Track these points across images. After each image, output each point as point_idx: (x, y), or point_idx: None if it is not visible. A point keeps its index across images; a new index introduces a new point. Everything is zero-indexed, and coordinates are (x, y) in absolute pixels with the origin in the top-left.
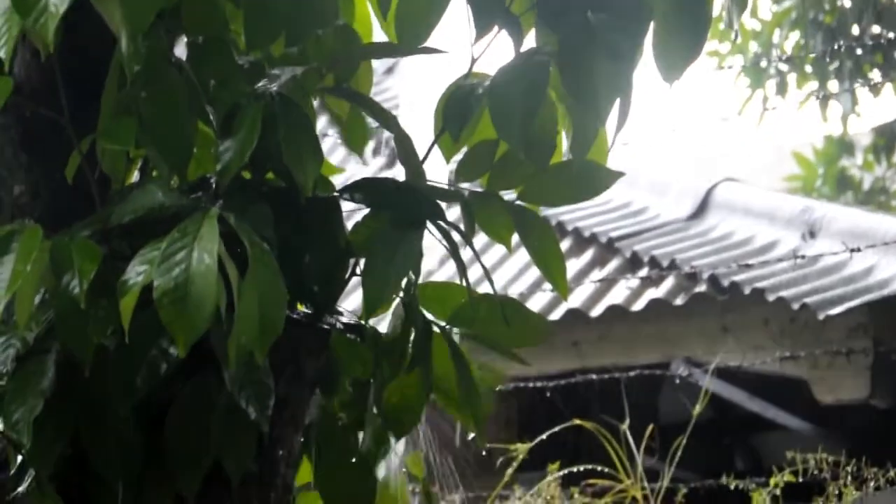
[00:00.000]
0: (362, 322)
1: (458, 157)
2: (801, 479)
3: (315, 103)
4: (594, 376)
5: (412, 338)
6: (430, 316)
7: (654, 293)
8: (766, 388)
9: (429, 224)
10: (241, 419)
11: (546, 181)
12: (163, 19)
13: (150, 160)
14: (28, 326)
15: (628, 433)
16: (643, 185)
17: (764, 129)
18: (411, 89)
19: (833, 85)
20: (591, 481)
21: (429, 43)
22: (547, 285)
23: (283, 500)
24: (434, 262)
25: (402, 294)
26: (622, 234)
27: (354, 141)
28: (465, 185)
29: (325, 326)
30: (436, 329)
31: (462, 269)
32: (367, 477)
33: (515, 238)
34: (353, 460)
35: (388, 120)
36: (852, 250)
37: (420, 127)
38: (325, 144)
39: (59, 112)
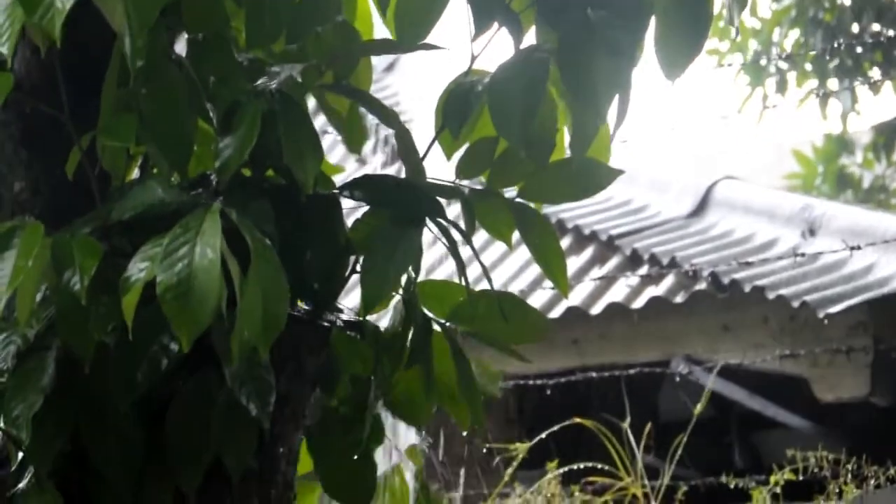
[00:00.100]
0: (362, 319)
1: (459, 154)
2: (801, 478)
3: (311, 103)
4: (594, 374)
5: (412, 335)
6: (429, 313)
7: (654, 291)
8: (767, 386)
9: (428, 221)
10: (241, 416)
11: (546, 178)
12: (163, 16)
13: (150, 157)
14: (29, 323)
15: (629, 431)
16: (643, 182)
17: (764, 128)
18: (411, 86)
19: (833, 83)
20: (592, 479)
21: (429, 40)
22: (547, 283)
23: (284, 497)
24: (433, 260)
25: (401, 291)
26: (622, 231)
27: (353, 139)
28: (465, 183)
29: (326, 324)
30: (435, 327)
31: (461, 266)
32: (368, 472)
33: (516, 235)
34: (355, 456)
35: (388, 116)
36: (852, 248)
37: (420, 124)
38: (324, 143)
39: (59, 108)
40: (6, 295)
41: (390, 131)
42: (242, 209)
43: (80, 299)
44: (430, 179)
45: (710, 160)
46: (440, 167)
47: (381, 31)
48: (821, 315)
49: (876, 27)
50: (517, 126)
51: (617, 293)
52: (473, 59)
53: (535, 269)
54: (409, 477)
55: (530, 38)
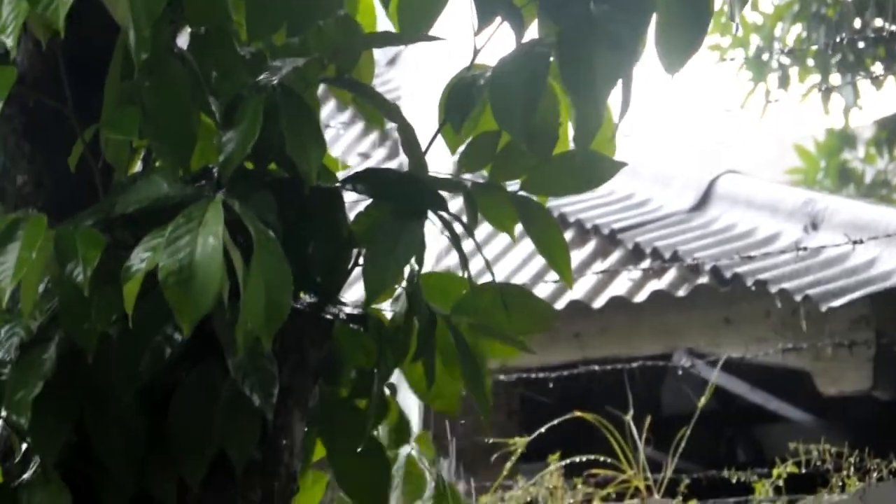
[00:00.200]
0: (365, 312)
1: (462, 148)
2: (803, 471)
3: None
4: (596, 367)
5: (416, 327)
6: (432, 306)
7: (656, 285)
8: (769, 380)
9: (431, 215)
10: (245, 407)
11: (549, 172)
12: (166, 10)
13: (153, 150)
14: (32, 315)
15: (631, 424)
16: (646, 176)
17: (766, 122)
18: (413, 80)
19: (835, 78)
20: (594, 471)
21: (430, 34)
22: (550, 276)
23: (287, 489)
24: (433, 255)
25: (405, 283)
26: (624, 225)
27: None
28: (467, 176)
29: (328, 316)
30: (439, 319)
31: (464, 259)
32: (380, 463)
33: (519, 228)
34: (366, 448)
35: (390, 110)
36: (855, 242)
37: (422, 118)
38: (326, 136)
39: (62, 102)
40: (11, 286)
41: (393, 125)
42: (245, 201)
43: (82, 290)
44: (433, 173)
45: (712, 154)
46: (443, 161)
47: (383, 24)
48: (823, 309)
49: (878, 22)
50: (518, 119)
51: (619, 287)
52: (476, 53)
53: (537, 263)
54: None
55: (532, 32)
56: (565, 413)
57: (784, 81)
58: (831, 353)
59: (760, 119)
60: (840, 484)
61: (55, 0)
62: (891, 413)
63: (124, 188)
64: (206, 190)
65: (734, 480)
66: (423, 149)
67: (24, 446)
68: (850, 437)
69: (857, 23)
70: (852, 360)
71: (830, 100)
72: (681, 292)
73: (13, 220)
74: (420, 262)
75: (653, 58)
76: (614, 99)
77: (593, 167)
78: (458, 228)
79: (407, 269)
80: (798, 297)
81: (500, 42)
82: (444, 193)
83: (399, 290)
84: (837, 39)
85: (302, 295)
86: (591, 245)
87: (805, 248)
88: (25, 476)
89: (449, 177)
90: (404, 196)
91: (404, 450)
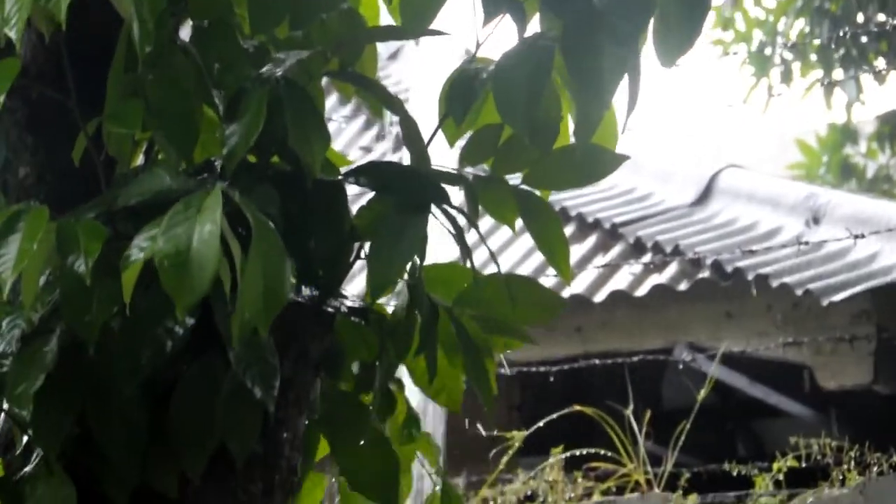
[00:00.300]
0: (367, 305)
1: (461, 142)
2: (803, 465)
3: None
4: (597, 362)
5: (418, 320)
6: (435, 298)
7: (657, 279)
8: (769, 374)
9: (433, 208)
10: (246, 400)
11: (551, 165)
12: (169, 3)
13: (156, 143)
14: (33, 307)
15: (631, 418)
16: (647, 170)
17: (768, 117)
18: (415, 75)
19: (838, 73)
20: (594, 465)
21: (433, 28)
22: (550, 270)
23: (288, 482)
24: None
25: (406, 276)
26: (626, 219)
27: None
28: (469, 170)
29: (330, 310)
30: (442, 311)
31: (467, 251)
32: (387, 456)
33: (519, 223)
34: (372, 441)
35: (393, 103)
36: (856, 237)
37: (424, 112)
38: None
39: (65, 94)
40: (12, 277)
41: (395, 119)
42: (247, 194)
43: (84, 282)
44: (435, 166)
45: (714, 149)
46: (444, 155)
47: (385, 19)
48: (824, 303)
49: (881, 17)
50: (522, 112)
51: (620, 281)
52: (478, 46)
53: (538, 257)
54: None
55: (534, 26)
56: (566, 407)
57: (786, 76)
58: (832, 348)
59: (762, 114)
60: (840, 478)
61: None
62: (891, 407)
63: (126, 181)
64: (209, 183)
65: (734, 474)
66: (425, 142)
67: (26, 439)
68: (851, 432)
69: (860, 18)
70: (853, 354)
71: (833, 95)
72: (682, 286)
73: (15, 211)
74: (422, 255)
75: (651, 52)
76: (620, 95)
77: (595, 161)
78: (460, 221)
79: (409, 263)
80: (799, 292)
81: (501, 37)
82: (445, 187)
83: (400, 283)
84: (840, 34)
85: (304, 288)
86: (592, 239)
87: (806, 243)
88: (27, 468)
89: (451, 170)
90: (407, 189)
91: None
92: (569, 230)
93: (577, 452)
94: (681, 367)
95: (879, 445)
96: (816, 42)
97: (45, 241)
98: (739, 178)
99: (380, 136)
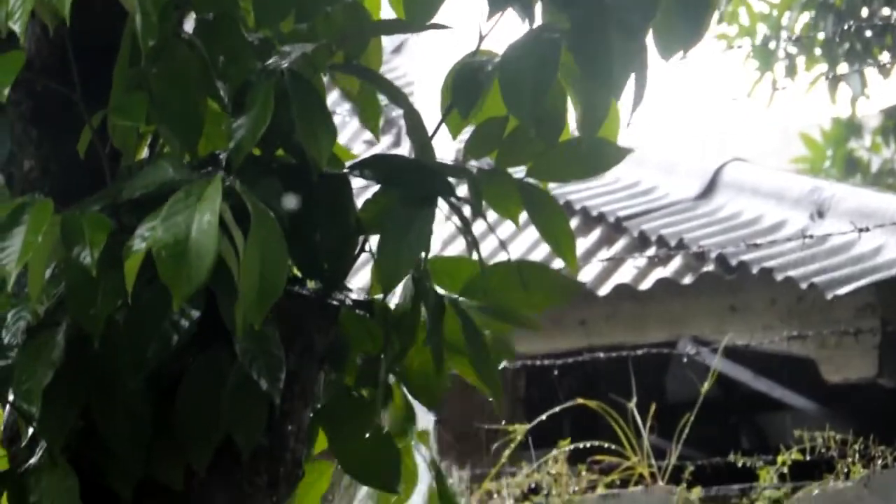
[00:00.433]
0: (371, 298)
1: (462, 135)
2: (808, 458)
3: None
4: (601, 355)
5: (426, 314)
6: (441, 290)
7: (661, 272)
8: (774, 368)
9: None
10: (251, 393)
11: (554, 158)
12: None
13: (160, 136)
14: (39, 300)
15: (635, 411)
16: (652, 164)
17: (772, 110)
18: (419, 68)
19: (842, 67)
20: (598, 458)
21: (437, 21)
22: (555, 264)
23: (293, 475)
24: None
25: (412, 269)
26: (630, 213)
27: (368, 117)
28: (472, 163)
29: (335, 303)
30: (448, 302)
31: (474, 243)
32: (388, 449)
33: (524, 215)
34: (372, 434)
35: (397, 96)
36: (861, 230)
37: (428, 105)
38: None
39: (69, 87)
40: (16, 269)
41: (399, 112)
42: (251, 187)
43: (89, 274)
44: (439, 159)
45: (718, 142)
46: (445, 148)
47: (386, 13)
48: (829, 297)
49: (886, 11)
50: (528, 104)
51: (625, 274)
52: (481, 39)
53: (542, 251)
54: (419, 459)
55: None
56: (570, 400)
57: (791, 70)
58: (836, 341)
59: (767, 108)
60: (845, 471)
61: None
62: None
63: (131, 174)
64: (213, 175)
65: (739, 467)
66: (430, 136)
67: (31, 431)
68: (855, 425)
69: (865, 12)
70: (857, 347)
71: (837, 89)
72: (686, 280)
73: (19, 204)
74: (427, 248)
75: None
76: (626, 88)
77: (599, 153)
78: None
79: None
80: (804, 285)
81: (504, 30)
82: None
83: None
84: (845, 28)
85: (309, 281)
86: (596, 232)
87: (811, 236)
88: (32, 461)
89: (454, 163)
90: (413, 182)
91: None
92: (573, 224)
93: (582, 445)
94: (685, 360)
95: (884, 438)
96: (821, 36)
97: (50, 233)
98: (744, 172)
99: (383, 130)
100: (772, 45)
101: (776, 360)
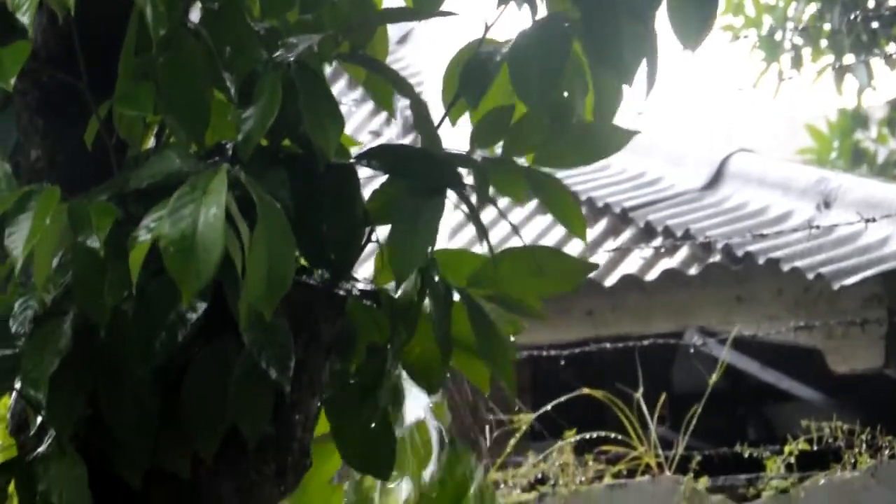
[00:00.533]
0: (378, 288)
1: (463, 121)
2: (815, 448)
3: (328, 70)
4: (608, 345)
5: (433, 305)
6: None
7: (668, 263)
8: (780, 358)
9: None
10: (258, 382)
11: (559, 144)
12: None
13: (167, 126)
14: (46, 289)
15: (642, 402)
16: (657, 155)
17: (779, 102)
18: (424, 59)
19: (848, 58)
20: (605, 448)
21: (444, 9)
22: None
23: (300, 464)
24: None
25: None
26: (636, 204)
27: (381, 99)
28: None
29: (342, 293)
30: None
31: (483, 231)
32: (388, 439)
33: (529, 209)
34: (375, 423)
35: (403, 86)
36: (867, 220)
37: (433, 95)
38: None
39: (76, 77)
40: (23, 255)
41: (405, 103)
42: (258, 178)
43: (97, 262)
44: (447, 149)
45: (724, 133)
46: (449, 137)
47: (394, 1)
48: (835, 287)
49: (893, 2)
50: (540, 93)
51: (631, 265)
52: (487, 28)
53: (549, 241)
54: (433, 432)
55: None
56: (577, 391)
57: (797, 61)
58: (843, 332)
59: (773, 98)
60: (852, 461)
61: None
62: None
63: (138, 164)
64: (220, 166)
65: (746, 457)
66: (436, 125)
67: (39, 420)
68: (862, 415)
69: (871, 2)
70: (864, 338)
71: (844, 80)
72: (692, 270)
73: (26, 191)
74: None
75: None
76: (637, 71)
77: (604, 138)
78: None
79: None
80: (810, 276)
81: (509, 19)
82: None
83: None
84: (851, 18)
85: (315, 271)
86: (602, 223)
87: (817, 227)
88: (41, 449)
89: (461, 152)
90: (420, 172)
91: (409, 419)
92: None
93: (588, 436)
94: (691, 351)
95: (891, 429)
96: (827, 27)
97: (57, 220)
98: (750, 163)
99: (389, 121)
100: (778, 35)
101: (783, 350)
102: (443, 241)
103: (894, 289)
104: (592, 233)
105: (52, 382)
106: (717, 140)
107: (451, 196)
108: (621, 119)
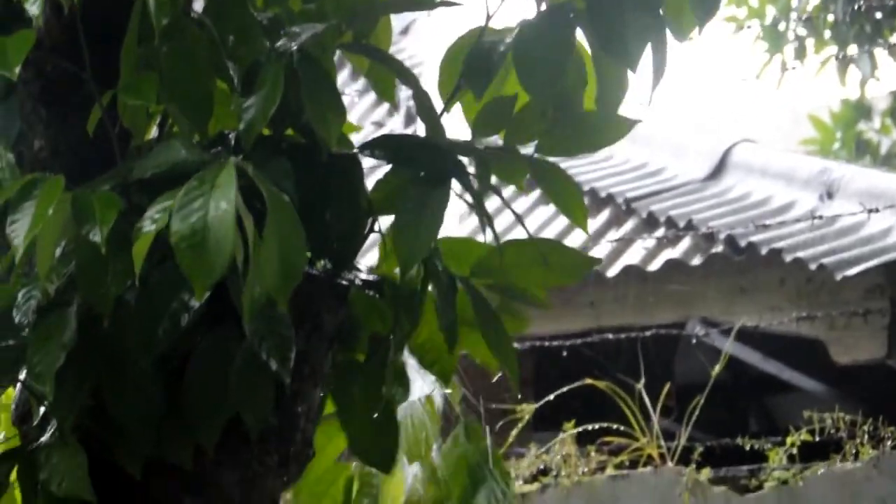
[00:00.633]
0: (381, 278)
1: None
2: (817, 439)
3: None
4: (610, 336)
5: (437, 293)
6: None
7: (670, 253)
8: (783, 349)
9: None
10: (259, 372)
11: (562, 133)
12: None
13: (170, 116)
14: (49, 279)
15: (644, 393)
16: (660, 145)
17: (782, 92)
18: (427, 50)
19: (852, 49)
20: (607, 439)
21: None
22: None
23: (303, 454)
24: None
25: None
26: (639, 194)
27: (384, 89)
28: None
29: (345, 282)
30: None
31: (487, 219)
32: (390, 427)
33: (532, 199)
34: (379, 413)
35: (407, 76)
36: (870, 211)
37: (434, 86)
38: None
39: (79, 66)
40: (27, 240)
41: (408, 93)
42: (261, 167)
43: (99, 253)
44: (449, 138)
45: (727, 124)
46: (450, 126)
47: None
48: (838, 277)
49: None
50: (545, 83)
51: (633, 255)
52: (489, 18)
53: (550, 232)
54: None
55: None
56: (579, 381)
57: (800, 52)
58: (846, 322)
59: (776, 89)
60: (854, 452)
61: None
62: None
63: (141, 153)
64: (223, 155)
65: (748, 448)
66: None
67: (42, 410)
68: (864, 406)
69: None
70: (867, 328)
71: (847, 71)
72: (695, 261)
73: (30, 180)
74: (440, 227)
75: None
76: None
77: (606, 126)
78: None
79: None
80: (813, 266)
81: (510, 9)
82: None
83: None
84: (855, 8)
85: (318, 261)
86: (605, 214)
87: (820, 217)
88: (43, 438)
89: (464, 142)
90: (423, 162)
91: (414, 396)
92: None
93: (590, 427)
94: (694, 341)
95: (893, 419)
96: (830, 18)
97: (61, 210)
98: (753, 153)
99: (392, 111)
100: (781, 26)
101: (785, 341)
102: (452, 227)
103: None
104: (595, 223)
105: (56, 375)
106: (721, 131)
107: (455, 185)
108: (626, 110)
